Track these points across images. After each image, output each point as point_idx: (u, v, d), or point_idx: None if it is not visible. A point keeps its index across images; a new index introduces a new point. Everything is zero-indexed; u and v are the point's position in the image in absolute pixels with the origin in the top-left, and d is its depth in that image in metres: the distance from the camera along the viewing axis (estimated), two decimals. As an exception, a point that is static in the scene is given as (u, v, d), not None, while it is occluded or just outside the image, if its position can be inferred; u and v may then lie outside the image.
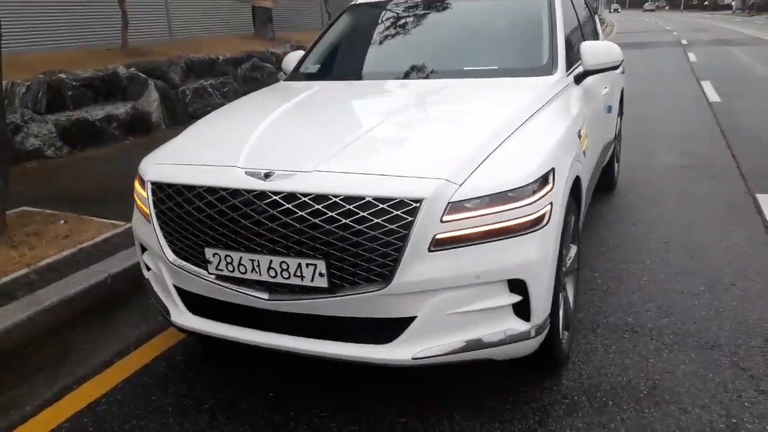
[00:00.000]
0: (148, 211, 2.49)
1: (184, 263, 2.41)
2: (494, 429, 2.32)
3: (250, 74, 9.66)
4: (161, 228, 2.43)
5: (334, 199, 2.07)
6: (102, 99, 7.35)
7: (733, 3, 65.99)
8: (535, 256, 2.14)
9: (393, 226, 2.03)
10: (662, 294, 3.29)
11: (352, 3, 4.18)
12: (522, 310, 2.17)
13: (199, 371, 2.83)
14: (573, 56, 3.37)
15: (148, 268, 2.82)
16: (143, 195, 2.55)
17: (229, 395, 2.63)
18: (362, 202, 2.05)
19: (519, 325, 2.18)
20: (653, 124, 7.66)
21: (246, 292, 2.27)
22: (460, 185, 2.07)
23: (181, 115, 8.25)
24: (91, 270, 3.61)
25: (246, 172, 2.24)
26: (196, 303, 2.50)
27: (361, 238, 2.05)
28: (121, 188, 5.23)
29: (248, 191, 2.19)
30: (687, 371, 2.61)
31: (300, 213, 2.10)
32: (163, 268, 2.54)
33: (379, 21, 3.90)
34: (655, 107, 8.74)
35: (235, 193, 2.21)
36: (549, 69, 3.12)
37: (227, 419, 2.47)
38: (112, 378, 2.81)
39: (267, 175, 2.19)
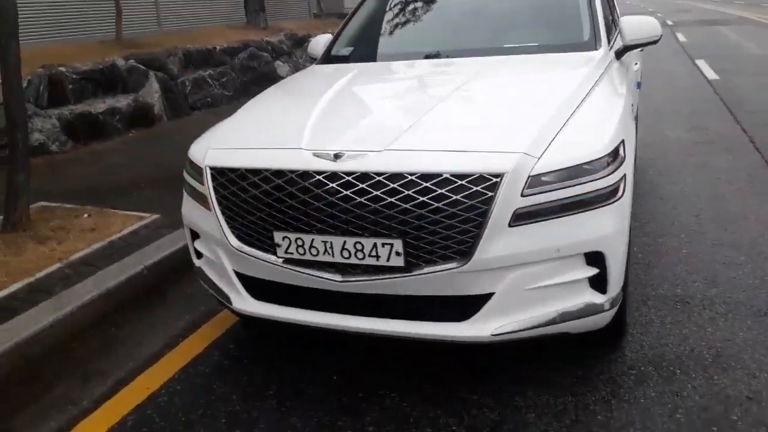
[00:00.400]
0: (206, 197, 2.45)
1: (248, 248, 2.36)
2: (568, 402, 2.32)
3: (248, 63, 9.54)
4: (223, 213, 2.38)
5: (410, 177, 2.04)
6: (102, 92, 7.20)
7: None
8: (613, 228, 2.13)
9: (473, 202, 2.00)
10: (704, 265, 3.31)
11: None
12: (598, 282, 2.16)
13: (255, 358, 2.80)
14: (610, 31, 3.36)
15: (199, 256, 2.78)
16: (199, 181, 2.51)
17: (292, 380, 2.60)
18: (440, 179, 2.02)
19: (596, 298, 2.17)
20: (658, 103, 7.69)
21: (317, 274, 2.23)
22: (539, 158, 2.05)
23: (182, 106, 8.12)
24: (126, 262, 3.55)
25: (314, 154, 2.20)
26: (259, 288, 2.46)
27: (440, 216, 2.02)
28: (134, 180, 5.18)
29: (318, 172, 2.15)
30: (746, 338, 2.64)
31: (375, 192, 2.06)
32: (223, 254, 2.50)
33: (409, 1, 3.86)
34: (657, 85, 8.77)
35: (305, 175, 2.17)
36: (592, 44, 3.10)
37: (295, 404, 2.44)
38: (166, 369, 2.76)
39: (337, 156, 2.15)
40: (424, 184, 2.03)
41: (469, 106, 2.56)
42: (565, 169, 2.06)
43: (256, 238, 2.33)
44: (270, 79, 10.03)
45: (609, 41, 3.22)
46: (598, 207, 2.09)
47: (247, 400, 2.49)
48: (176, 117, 7.95)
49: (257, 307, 2.47)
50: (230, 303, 2.53)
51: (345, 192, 2.10)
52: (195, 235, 2.74)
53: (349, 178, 2.10)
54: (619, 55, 3.24)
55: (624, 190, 2.16)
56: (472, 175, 2.01)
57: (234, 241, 2.38)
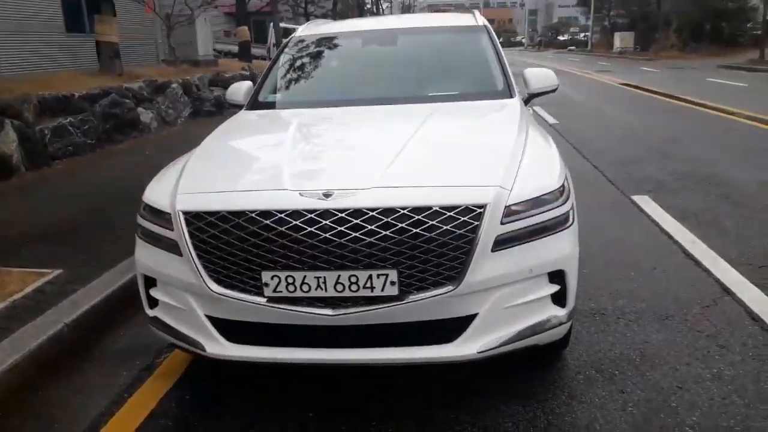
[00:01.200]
0: (175, 243, 2.39)
1: (228, 291, 2.34)
2: (536, 409, 2.56)
3: (110, 111, 9.04)
4: (200, 258, 2.34)
5: (402, 211, 2.19)
6: (-52, 142, 6.47)
7: (524, 40, 74.56)
8: (570, 250, 2.44)
9: (461, 231, 2.20)
10: (605, 283, 3.78)
11: (294, 35, 4.28)
12: (558, 298, 2.45)
13: (218, 404, 2.72)
14: None
15: (153, 306, 2.67)
16: (164, 227, 2.45)
17: (271, 420, 2.57)
18: (430, 211, 2.19)
19: (558, 312, 2.45)
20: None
21: (307, 311, 2.28)
22: (510, 191, 2.32)
23: (41, 156, 7.48)
24: (41, 321, 3.24)
25: (300, 194, 2.27)
26: (236, 331, 2.43)
27: (432, 245, 2.19)
28: (14, 235, 4.72)
29: (309, 211, 2.22)
30: (660, 339, 3.08)
31: (369, 227, 2.18)
32: (193, 299, 2.44)
33: (332, 52, 4.06)
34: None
35: (295, 214, 2.22)
36: (507, 93, 3.50)
37: (282, 444, 2.42)
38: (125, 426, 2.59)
39: (326, 195, 2.24)
40: (416, 217, 2.19)
41: (432, 146, 2.78)
42: (531, 199, 2.34)
43: (239, 280, 2.32)
44: (134, 126, 9.63)
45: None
46: (558, 232, 2.39)
47: (228, 448, 2.42)
48: (35, 168, 7.30)
49: (235, 351, 2.43)
50: (203, 350, 2.46)
51: (339, 228, 2.19)
52: (150, 283, 2.64)
53: (343, 215, 2.20)
54: (526, 102, 3.68)
55: (574, 218, 2.49)
56: (459, 207, 2.21)
57: (213, 285, 2.35)
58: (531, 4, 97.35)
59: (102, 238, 4.64)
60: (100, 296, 3.56)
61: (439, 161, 2.60)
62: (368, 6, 42.61)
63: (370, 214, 2.20)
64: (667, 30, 43.46)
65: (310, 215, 2.21)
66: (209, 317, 2.44)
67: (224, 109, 13.01)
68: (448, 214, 2.20)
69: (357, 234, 2.19)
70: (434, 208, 2.20)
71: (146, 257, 2.59)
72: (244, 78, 14.93)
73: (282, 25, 25.62)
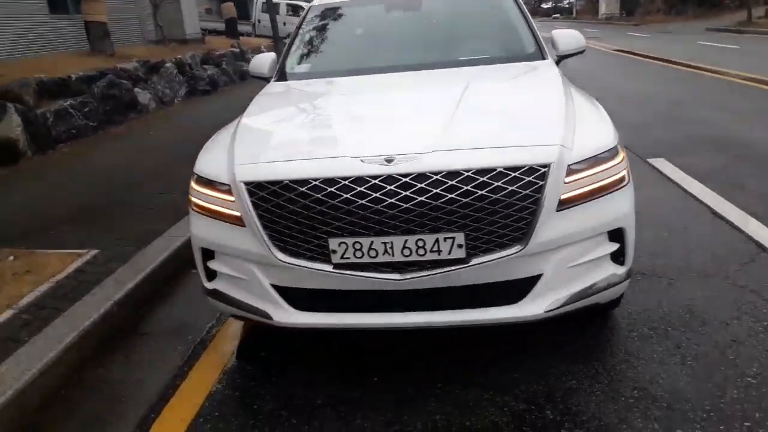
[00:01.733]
0: (237, 214, 2.39)
1: (295, 260, 2.34)
2: (597, 366, 2.61)
3: (108, 92, 8.90)
4: (265, 228, 2.34)
5: (466, 174, 2.19)
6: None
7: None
8: (628, 208, 2.46)
9: (527, 191, 2.21)
10: (640, 242, 3.73)
11: (314, 3, 4.21)
12: (617, 256, 2.48)
13: (286, 375, 2.75)
14: None
15: (211, 278, 2.67)
16: (222, 199, 2.44)
17: (333, 390, 2.60)
18: (495, 173, 2.20)
19: (618, 270, 2.48)
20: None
21: (375, 276, 2.29)
22: (571, 150, 2.33)
23: (46, 140, 7.37)
24: (89, 300, 3.24)
25: (362, 160, 2.27)
26: (303, 299, 2.44)
27: (497, 206, 2.20)
28: (40, 219, 4.72)
29: (373, 177, 2.22)
30: (705, 296, 3.14)
31: (434, 190, 2.18)
32: (258, 269, 2.45)
33: (356, 20, 4.02)
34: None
35: (359, 180, 2.22)
36: (539, 55, 3.49)
37: (348, 411, 2.46)
38: (189, 405, 2.61)
39: (388, 160, 2.24)
40: (480, 179, 2.19)
41: (484, 107, 2.77)
42: (590, 158, 2.35)
43: (305, 248, 2.33)
44: (133, 107, 9.49)
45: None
46: (616, 190, 2.41)
47: (299, 413, 2.46)
48: (41, 152, 7.21)
49: (303, 318, 2.45)
50: (269, 318, 2.47)
51: (404, 193, 2.20)
52: (207, 256, 2.64)
53: (407, 179, 2.20)
54: (556, 64, 3.67)
55: (629, 176, 2.52)
56: (523, 167, 2.22)
57: (279, 254, 2.35)
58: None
59: (128, 218, 4.62)
60: (143, 274, 3.55)
61: (495, 122, 2.59)
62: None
63: (434, 177, 2.20)
64: (652, -6, 43.33)
65: (373, 181, 2.22)
66: (274, 286, 2.45)
67: (219, 87, 12.90)
68: (513, 174, 2.21)
69: (422, 198, 2.19)
70: (498, 169, 2.21)
71: (203, 230, 2.58)
72: (234, 55, 14.76)
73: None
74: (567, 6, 61.11)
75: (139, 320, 3.32)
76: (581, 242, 2.36)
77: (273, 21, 11.76)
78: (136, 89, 9.84)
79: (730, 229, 3.99)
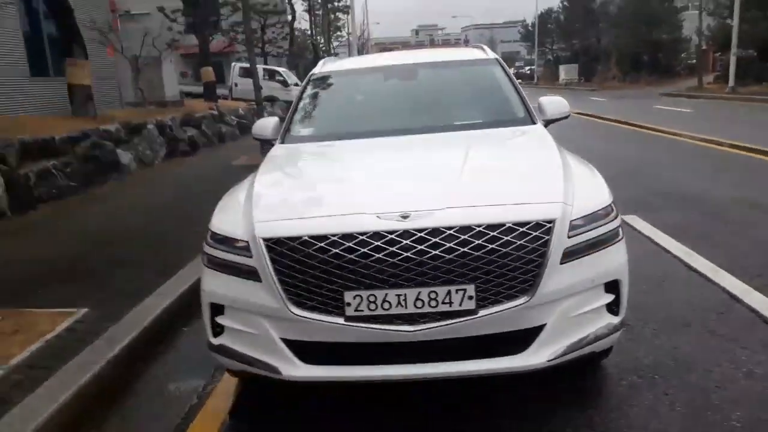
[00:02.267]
0: (253, 269, 2.48)
1: (309, 313, 2.42)
2: (592, 414, 2.70)
3: (91, 153, 8.95)
4: (281, 282, 2.43)
5: (477, 228, 2.34)
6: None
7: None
8: (623, 260, 2.62)
9: (534, 245, 2.36)
10: (620, 296, 3.99)
11: (314, 72, 4.42)
12: (613, 306, 2.62)
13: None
14: None
15: (217, 333, 2.71)
16: (240, 255, 2.53)
17: None
18: (504, 228, 2.35)
19: (614, 319, 2.61)
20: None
21: (387, 328, 2.37)
22: (572, 207, 2.50)
23: (26, 200, 7.34)
24: (81, 360, 3.22)
25: (378, 216, 2.40)
26: (312, 353, 2.49)
27: (507, 260, 2.34)
28: (25, 277, 4.65)
29: (390, 232, 2.34)
30: (687, 344, 3.28)
31: (448, 244, 2.32)
32: (269, 323, 2.51)
33: (357, 87, 4.26)
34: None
35: (376, 235, 2.35)
36: (528, 120, 3.73)
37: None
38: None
39: (404, 216, 2.38)
40: (491, 234, 2.34)
41: (488, 167, 2.95)
42: (589, 214, 2.53)
43: (320, 301, 2.41)
44: (114, 167, 9.54)
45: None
46: (612, 244, 2.58)
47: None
48: (20, 212, 7.17)
49: (311, 372, 2.49)
50: (278, 373, 2.51)
51: (419, 247, 2.32)
52: (216, 312, 2.69)
53: (422, 234, 2.33)
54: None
55: (622, 232, 2.69)
56: (531, 223, 2.38)
57: (293, 308, 2.43)
58: (474, 41, 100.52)
59: (116, 277, 4.62)
60: (135, 332, 3.55)
61: (500, 180, 2.77)
62: (323, 47, 43.31)
63: (448, 232, 2.34)
64: (608, 62, 45.61)
65: (390, 236, 2.34)
66: (284, 340, 2.51)
67: (198, 148, 13.04)
68: (521, 229, 2.36)
69: (436, 252, 2.32)
70: (507, 224, 2.36)
71: (216, 285, 2.64)
72: (214, 117, 15.00)
73: (240, 65, 25.87)
74: (528, 72, 63.66)
75: (132, 379, 3.30)
76: (581, 293, 2.50)
77: (256, 86, 12.06)
78: (118, 150, 9.91)
79: (704, 281, 4.19)
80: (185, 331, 3.94)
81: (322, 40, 44.38)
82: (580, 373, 3.02)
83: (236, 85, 25.21)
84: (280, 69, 27.85)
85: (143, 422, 2.93)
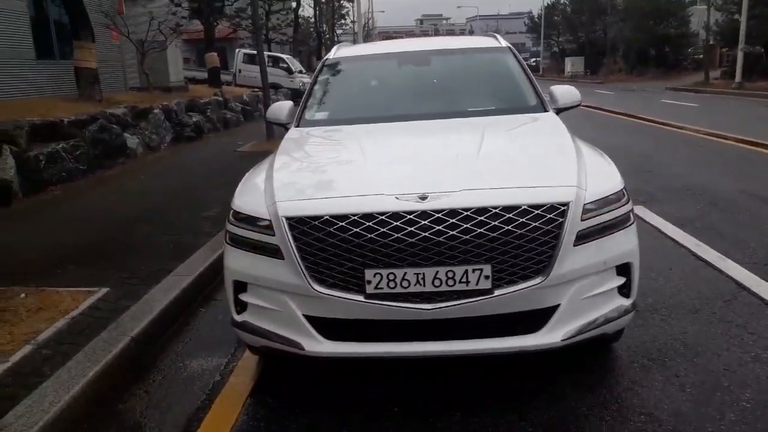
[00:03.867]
0: (275, 247, 2.55)
1: (330, 290, 2.50)
2: (605, 394, 2.78)
3: (99, 136, 9.02)
4: (304, 260, 2.50)
5: (494, 210, 2.42)
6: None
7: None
8: (634, 244, 2.70)
9: (549, 227, 2.44)
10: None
11: (330, 55, 4.48)
12: (624, 289, 2.70)
13: (306, 405, 2.85)
14: None
15: (240, 311, 2.79)
16: (263, 233, 2.60)
17: (356, 421, 2.72)
18: (519, 210, 2.43)
19: (625, 302, 2.70)
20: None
21: (406, 306, 2.45)
22: (586, 191, 2.57)
23: (37, 182, 7.41)
24: (107, 336, 3.31)
25: (397, 197, 2.48)
26: (334, 329, 2.57)
27: (522, 241, 2.42)
28: (43, 258, 4.72)
29: (409, 212, 2.42)
30: (696, 329, 3.36)
31: (465, 225, 2.40)
32: (292, 300, 2.58)
33: (371, 72, 4.30)
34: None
35: (395, 216, 2.43)
36: (540, 107, 3.79)
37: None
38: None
39: (422, 198, 2.45)
40: (507, 215, 2.42)
41: (503, 151, 3.04)
42: (602, 198, 2.61)
43: (341, 279, 2.48)
44: (121, 151, 9.59)
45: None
46: (624, 228, 2.66)
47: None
48: (32, 194, 7.25)
49: (333, 347, 2.58)
50: (301, 348, 2.59)
51: (437, 227, 2.40)
52: (239, 289, 2.77)
53: (440, 215, 2.41)
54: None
55: (634, 216, 2.76)
56: (546, 205, 2.46)
57: (315, 285, 2.50)
58: (479, 32, 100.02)
59: (132, 258, 4.69)
60: (157, 311, 3.63)
61: (516, 164, 2.85)
62: (326, 35, 43.20)
63: (465, 213, 2.41)
64: (615, 55, 45.49)
65: (409, 216, 2.42)
66: (307, 317, 2.59)
67: (203, 134, 13.08)
68: (536, 212, 2.44)
69: (453, 232, 2.40)
70: (523, 207, 2.43)
71: (238, 263, 2.72)
72: (218, 103, 15.03)
73: (245, 51, 25.85)
74: (533, 64, 63.45)
75: (156, 356, 3.38)
76: (593, 275, 2.58)
77: (263, 72, 12.09)
78: (125, 134, 9.96)
79: (711, 269, 4.27)
80: (203, 311, 4.02)
81: (326, 28, 44.26)
82: (593, 355, 3.10)
83: (240, 71, 25.20)
84: (285, 56, 27.82)
85: (169, 397, 3.00)
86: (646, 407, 2.67)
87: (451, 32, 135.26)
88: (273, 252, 2.58)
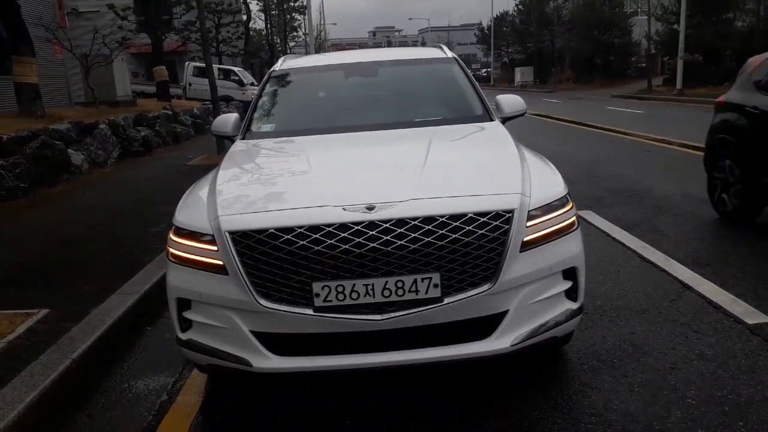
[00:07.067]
0: (219, 263, 2.49)
1: (277, 305, 2.44)
2: (555, 397, 2.80)
3: (41, 153, 8.68)
4: (249, 275, 2.44)
5: (440, 219, 2.42)
6: None
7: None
8: (579, 249, 2.74)
9: (495, 234, 2.45)
10: (579, 286, 4.14)
11: (274, 69, 4.42)
12: (571, 293, 2.73)
13: (253, 424, 2.77)
14: None
15: (185, 328, 2.71)
16: (204, 248, 2.53)
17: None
18: (466, 218, 2.43)
19: (572, 305, 2.73)
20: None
21: (356, 317, 2.42)
22: (530, 198, 2.60)
23: (-27, 201, 7.10)
24: (46, 360, 3.16)
25: (344, 209, 2.45)
26: (282, 345, 2.51)
27: (469, 248, 2.42)
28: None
29: (356, 223, 2.39)
30: (643, 329, 3.43)
31: (413, 235, 2.39)
32: (238, 317, 2.52)
33: (318, 84, 4.27)
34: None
35: (342, 227, 2.39)
36: (486, 117, 3.83)
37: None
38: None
39: (369, 208, 2.43)
40: (453, 224, 2.42)
41: (449, 161, 3.03)
42: (546, 205, 2.63)
43: (288, 293, 2.43)
44: (65, 168, 9.28)
45: (492, 115, 3.97)
46: (568, 233, 2.69)
47: None
48: (-32, 213, 6.93)
49: (282, 363, 2.51)
50: (248, 365, 2.52)
51: (385, 237, 2.38)
52: (182, 307, 2.69)
53: (387, 225, 2.39)
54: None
55: (578, 222, 2.80)
56: (491, 213, 2.47)
57: (262, 300, 2.45)
58: (431, 43, 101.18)
59: (74, 277, 4.52)
60: (99, 331, 3.49)
61: (461, 173, 2.85)
62: (279, 47, 43.01)
63: (412, 223, 2.40)
64: (563, 64, 46.73)
65: (356, 227, 2.39)
66: (254, 332, 2.52)
67: (152, 149, 12.79)
68: (482, 219, 2.44)
69: (401, 242, 2.38)
70: (469, 215, 2.44)
71: (181, 279, 2.64)
72: (168, 117, 14.74)
73: (194, 64, 25.49)
74: (485, 75, 64.60)
75: (99, 379, 3.25)
76: (540, 281, 2.60)
77: (213, 85, 11.92)
78: (69, 150, 9.64)
79: (657, 270, 4.38)
80: (149, 330, 3.90)
81: (278, 40, 44.08)
82: (543, 359, 3.13)
83: (190, 84, 24.85)
84: (236, 68, 27.56)
85: (113, 420, 2.89)
86: (597, 408, 2.70)
87: (404, 44, 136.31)
88: (217, 268, 2.51)
